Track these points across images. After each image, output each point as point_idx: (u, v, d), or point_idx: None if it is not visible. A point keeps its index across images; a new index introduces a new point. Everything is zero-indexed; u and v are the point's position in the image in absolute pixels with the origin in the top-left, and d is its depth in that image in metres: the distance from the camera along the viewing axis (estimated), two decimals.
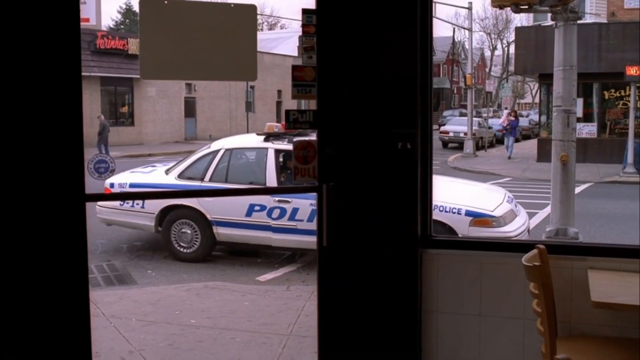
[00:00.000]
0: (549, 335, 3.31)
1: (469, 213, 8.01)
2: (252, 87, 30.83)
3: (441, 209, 7.87)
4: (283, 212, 8.54)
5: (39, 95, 2.97)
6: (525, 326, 3.63)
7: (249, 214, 8.69)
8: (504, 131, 24.55)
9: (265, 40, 36.19)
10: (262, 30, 44.48)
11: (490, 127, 30.00)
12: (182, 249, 9.02)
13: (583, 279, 3.45)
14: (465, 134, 26.97)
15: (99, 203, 9.41)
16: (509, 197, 8.92)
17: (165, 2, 3.34)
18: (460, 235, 7.82)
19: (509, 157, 23.17)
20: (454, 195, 8.44)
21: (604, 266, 3.54)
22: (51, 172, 3.01)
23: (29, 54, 2.95)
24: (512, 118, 24.22)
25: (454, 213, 7.97)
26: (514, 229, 8.16)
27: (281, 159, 8.89)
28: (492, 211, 8.17)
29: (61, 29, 2.99)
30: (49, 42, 2.97)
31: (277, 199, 8.55)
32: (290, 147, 8.63)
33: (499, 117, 34.53)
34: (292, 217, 8.48)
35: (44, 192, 3.01)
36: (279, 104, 33.11)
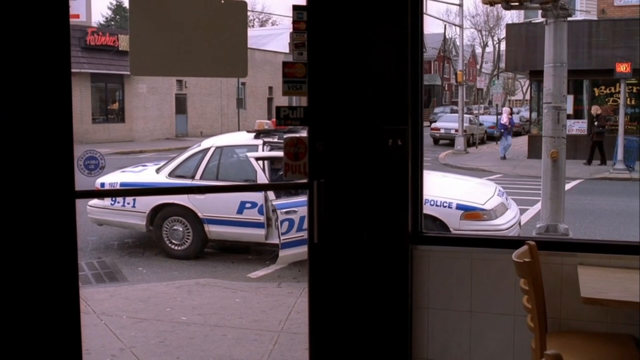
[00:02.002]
0: (539, 331, 3.32)
1: (460, 207, 8.04)
2: (243, 84, 30.77)
3: (432, 203, 7.88)
4: (291, 224, 8.01)
5: (29, 92, 2.96)
6: (516, 322, 3.65)
7: (240, 211, 8.68)
8: (503, 130, 23.27)
9: (257, 37, 36.11)
10: (253, 26, 44.39)
11: (481, 124, 30.06)
12: (173, 246, 9.00)
13: (573, 275, 3.47)
14: (456, 130, 27.03)
15: (90, 203, 9.39)
16: (499, 190, 8.95)
17: None
18: (451, 229, 7.85)
19: (504, 157, 22.39)
20: (445, 189, 8.47)
21: (593, 262, 3.56)
22: (41, 169, 2.99)
23: (18, 51, 2.93)
24: (510, 116, 23.42)
25: (445, 207, 8.00)
26: (505, 222, 8.20)
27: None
28: (483, 204, 8.20)
29: (51, 25, 2.97)
30: (38, 39, 2.95)
31: (284, 210, 7.99)
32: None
33: (489, 114, 34.61)
34: (300, 228, 8.07)
35: (34, 189, 2.99)
36: (270, 100, 33.06)
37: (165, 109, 29.25)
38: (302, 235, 7.87)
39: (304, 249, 7.80)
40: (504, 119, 23.51)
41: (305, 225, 7.99)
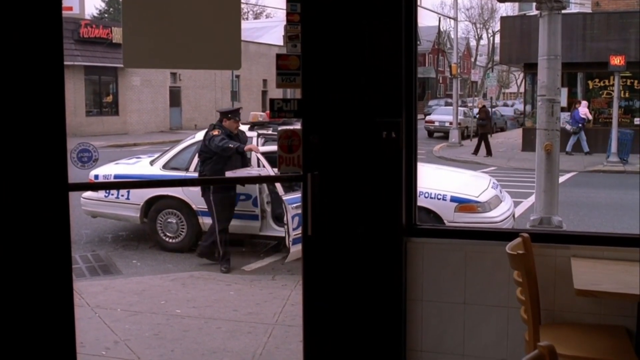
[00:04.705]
0: (533, 322, 3.33)
1: (454, 199, 8.05)
2: (237, 77, 30.74)
3: (426, 195, 7.89)
4: (301, 219, 7.64)
5: (21, 85, 2.94)
6: (509, 314, 3.66)
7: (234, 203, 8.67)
8: (581, 125, 20.25)
9: (251, 29, 36.05)
10: (247, 19, 44.27)
11: (475, 117, 30.06)
12: (168, 239, 8.99)
13: (566, 267, 3.48)
14: (451, 123, 27.04)
15: (84, 195, 9.37)
16: (493, 183, 8.97)
17: None
18: (445, 222, 7.86)
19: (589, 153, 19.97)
20: (439, 181, 8.47)
21: (586, 254, 3.57)
22: (34, 161, 2.98)
23: (10, 43, 2.92)
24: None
25: (439, 199, 8.01)
26: (499, 214, 8.22)
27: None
28: (477, 197, 8.21)
29: (43, 18, 2.96)
30: (30, 31, 2.94)
31: (295, 205, 7.55)
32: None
33: None
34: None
35: (27, 182, 2.98)
36: (264, 93, 33.03)
37: (159, 102, 29.19)
38: None
39: None
40: (584, 111, 20.72)
41: None
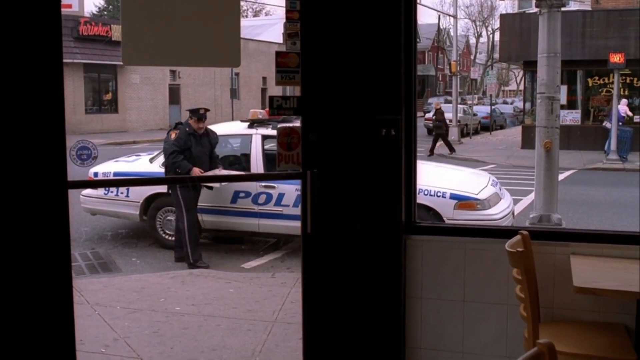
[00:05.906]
0: (532, 320, 3.33)
1: (453, 196, 8.06)
2: (237, 74, 30.68)
3: (426, 192, 7.90)
4: (269, 197, 8.47)
5: (20, 82, 2.94)
6: (509, 311, 3.66)
7: (234, 200, 8.68)
8: (621, 123, 19.09)
9: (250, 27, 35.99)
10: (246, 17, 44.21)
11: (475, 114, 30.05)
12: (167, 237, 8.99)
13: (565, 265, 3.48)
14: (450, 121, 27.01)
15: (83, 192, 9.36)
16: (493, 180, 8.98)
17: None
18: (445, 219, 7.87)
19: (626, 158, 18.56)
20: (439, 179, 8.48)
21: (586, 252, 3.57)
22: (33, 159, 2.98)
23: (9, 41, 2.91)
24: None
25: (439, 196, 8.01)
26: (499, 211, 8.23)
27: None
28: (477, 194, 8.22)
29: (42, 15, 2.95)
30: (29, 29, 2.93)
31: (262, 184, 8.46)
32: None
33: (483, 104, 34.64)
34: (278, 203, 8.43)
35: (26, 179, 2.98)
36: (264, 91, 32.99)
37: (158, 100, 29.16)
38: (280, 210, 8.41)
39: (279, 222, 8.44)
40: (624, 109, 19.94)
41: (283, 201, 8.30)
